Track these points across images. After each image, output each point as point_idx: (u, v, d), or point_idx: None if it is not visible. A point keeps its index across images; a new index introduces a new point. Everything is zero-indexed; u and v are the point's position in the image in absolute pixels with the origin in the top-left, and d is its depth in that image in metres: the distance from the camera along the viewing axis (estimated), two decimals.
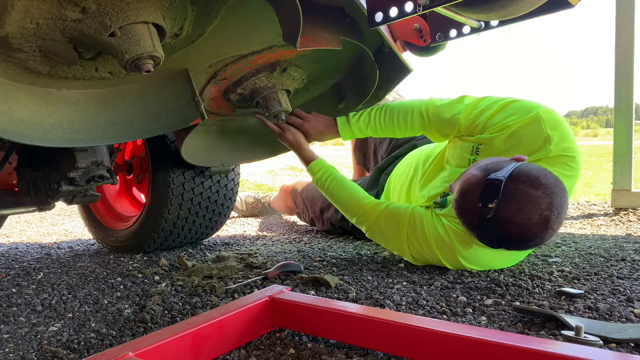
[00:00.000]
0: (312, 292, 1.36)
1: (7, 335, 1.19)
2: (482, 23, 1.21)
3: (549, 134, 1.39)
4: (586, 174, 6.13)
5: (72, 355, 1.04)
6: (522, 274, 1.45)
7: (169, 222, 1.95)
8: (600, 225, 2.41)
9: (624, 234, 2.15)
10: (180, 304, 1.33)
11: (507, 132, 1.44)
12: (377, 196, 2.06)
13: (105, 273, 1.75)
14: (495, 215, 1.22)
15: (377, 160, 2.34)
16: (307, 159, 1.72)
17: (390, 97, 2.46)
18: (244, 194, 3.17)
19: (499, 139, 1.45)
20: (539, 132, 1.40)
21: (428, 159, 1.76)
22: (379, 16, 1.00)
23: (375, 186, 2.10)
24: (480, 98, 1.56)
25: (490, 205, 1.21)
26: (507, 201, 1.20)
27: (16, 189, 1.86)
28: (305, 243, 2.17)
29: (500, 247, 1.31)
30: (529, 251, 1.60)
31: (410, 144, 2.11)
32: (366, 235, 1.68)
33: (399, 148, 2.14)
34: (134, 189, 2.35)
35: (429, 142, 2.04)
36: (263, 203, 3.04)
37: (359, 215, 1.64)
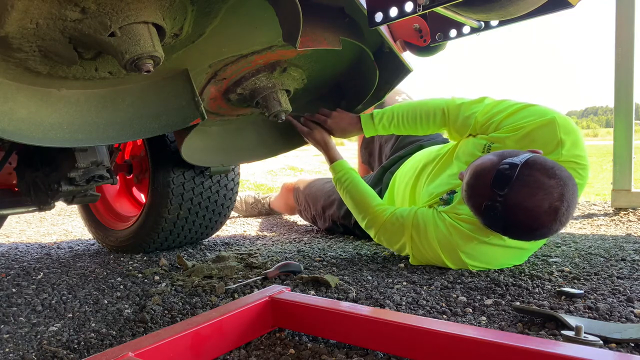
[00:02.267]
0: (312, 292, 1.36)
1: (7, 335, 1.19)
2: (482, 23, 1.21)
3: (562, 138, 1.41)
4: None
5: (72, 355, 1.04)
6: (522, 274, 1.45)
7: (169, 222, 1.94)
8: (600, 225, 2.41)
9: (624, 234, 2.15)
10: (180, 304, 1.33)
11: (521, 132, 1.46)
12: (380, 193, 2.06)
13: (105, 273, 1.75)
14: (506, 199, 1.23)
15: (382, 160, 2.34)
16: (332, 158, 1.79)
17: (400, 98, 2.45)
18: (244, 194, 3.16)
19: (512, 138, 1.47)
20: (553, 135, 1.42)
21: (436, 157, 1.78)
22: (379, 16, 1.00)
23: (379, 184, 2.10)
24: (499, 100, 1.60)
25: (501, 192, 1.23)
26: (520, 186, 1.22)
27: (16, 189, 1.86)
28: (305, 243, 2.17)
29: (506, 233, 1.32)
30: (531, 251, 1.60)
31: (416, 144, 2.12)
32: (374, 239, 1.71)
33: (405, 148, 2.15)
34: (134, 189, 2.35)
35: (436, 143, 2.06)
36: (263, 204, 3.04)
37: (368, 220, 1.68)
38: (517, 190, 1.22)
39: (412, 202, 1.82)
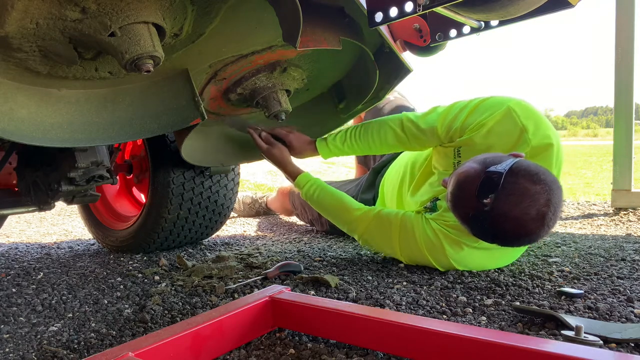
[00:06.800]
0: (312, 292, 1.36)
1: (7, 335, 1.19)
2: (482, 23, 1.21)
3: (523, 124, 1.41)
4: (586, 174, 6.13)
5: (72, 355, 1.04)
6: (522, 274, 1.45)
7: (169, 222, 1.94)
8: (600, 225, 2.41)
9: (624, 234, 2.15)
10: (180, 304, 1.33)
11: (483, 129, 1.45)
12: (374, 198, 2.06)
13: (105, 273, 1.75)
14: (492, 208, 1.20)
15: (376, 160, 2.35)
16: (293, 174, 1.74)
17: (392, 96, 2.46)
18: (242, 194, 3.16)
19: (477, 137, 1.46)
20: (514, 124, 1.42)
21: (415, 165, 1.78)
22: (379, 16, 0.99)
23: (372, 188, 2.10)
24: (450, 105, 1.58)
25: (486, 200, 1.20)
26: (506, 195, 1.18)
27: (16, 189, 1.86)
28: (305, 243, 2.17)
29: (494, 242, 1.30)
30: (520, 251, 1.60)
31: None
32: (359, 243, 1.69)
33: None
34: (134, 189, 2.35)
35: None
36: (260, 203, 3.04)
37: (350, 224, 1.65)
38: (503, 199, 1.18)
39: (399, 206, 1.82)
